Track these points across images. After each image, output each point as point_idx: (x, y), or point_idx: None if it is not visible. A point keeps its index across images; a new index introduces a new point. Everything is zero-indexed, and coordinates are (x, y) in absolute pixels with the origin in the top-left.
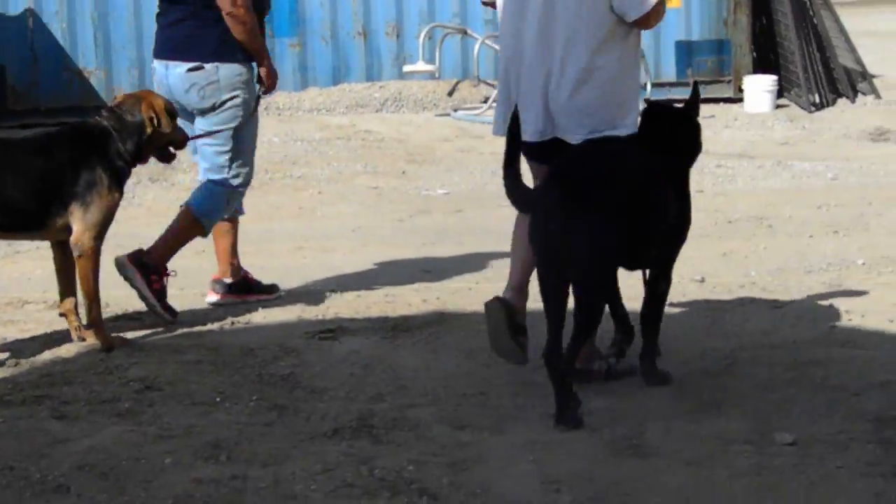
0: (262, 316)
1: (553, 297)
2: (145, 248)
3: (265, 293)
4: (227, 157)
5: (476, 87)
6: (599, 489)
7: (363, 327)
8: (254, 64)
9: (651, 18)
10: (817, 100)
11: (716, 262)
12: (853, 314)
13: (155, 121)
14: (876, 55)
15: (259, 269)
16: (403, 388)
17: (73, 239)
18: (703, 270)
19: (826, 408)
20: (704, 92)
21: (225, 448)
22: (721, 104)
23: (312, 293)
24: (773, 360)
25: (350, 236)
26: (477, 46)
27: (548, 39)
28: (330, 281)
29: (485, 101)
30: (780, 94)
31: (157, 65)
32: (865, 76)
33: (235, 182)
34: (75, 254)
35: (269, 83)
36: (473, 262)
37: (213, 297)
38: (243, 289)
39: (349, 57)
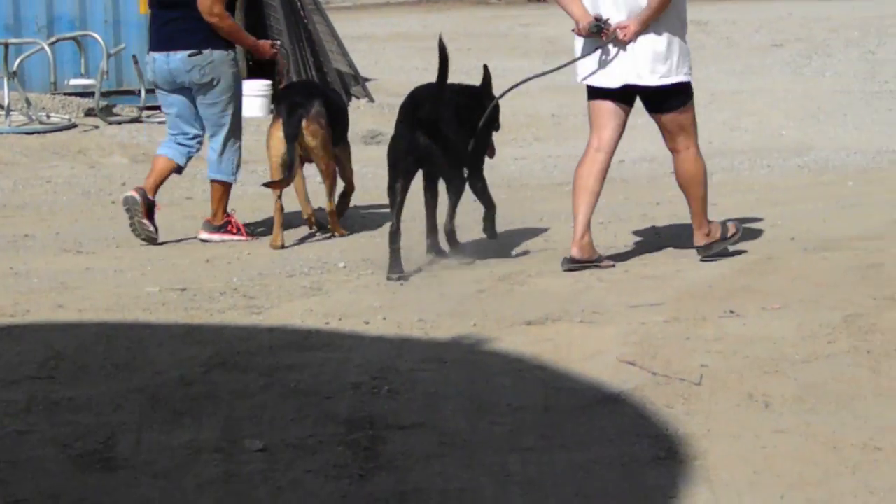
0: None
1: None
2: None
3: None
4: (229, 116)
5: None
6: None
7: None
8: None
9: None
10: None
11: (199, 269)
12: (330, 317)
13: None
14: (370, 59)
15: None
16: None
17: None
18: (187, 278)
19: (298, 412)
20: None
21: None
22: None
23: None
24: (249, 367)
25: None
26: None
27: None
28: None
29: None
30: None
31: (158, 55)
32: (358, 80)
33: (236, 135)
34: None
35: (260, 53)
36: None
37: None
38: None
39: None
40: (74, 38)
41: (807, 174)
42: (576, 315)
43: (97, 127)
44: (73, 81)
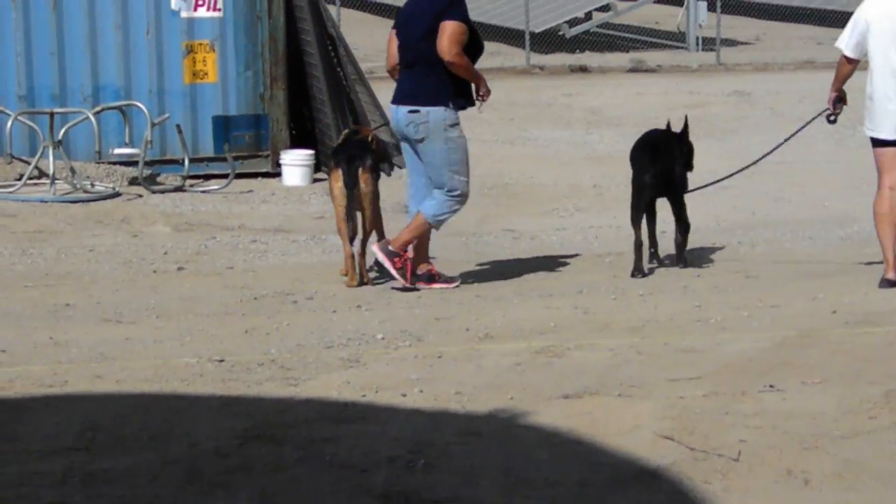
0: None
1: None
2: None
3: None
4: (446, 176)
5: (9, 164)
6: None
7: None
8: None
9: None
10: None
11: (238, 340)
12: (367, 389)
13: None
14: None
15: None
16: None
17: None
18: (225, 349)
19: (333, 486)
20: (241, 167)
21: None
22: (259, 179)
23: None
24: (285, 439)
25: None
26: (10, 123)
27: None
28: None
29: (19, 179)
30: (318, 168)
31: (392, 107)
32: (400, 149)
33: (454, 193)
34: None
35: (484, 93)
36: None
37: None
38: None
39: None
40: (119, 108)
41: (849, 246)
42: (613, 388)
43: (141, 196)
44: (118, 150)
